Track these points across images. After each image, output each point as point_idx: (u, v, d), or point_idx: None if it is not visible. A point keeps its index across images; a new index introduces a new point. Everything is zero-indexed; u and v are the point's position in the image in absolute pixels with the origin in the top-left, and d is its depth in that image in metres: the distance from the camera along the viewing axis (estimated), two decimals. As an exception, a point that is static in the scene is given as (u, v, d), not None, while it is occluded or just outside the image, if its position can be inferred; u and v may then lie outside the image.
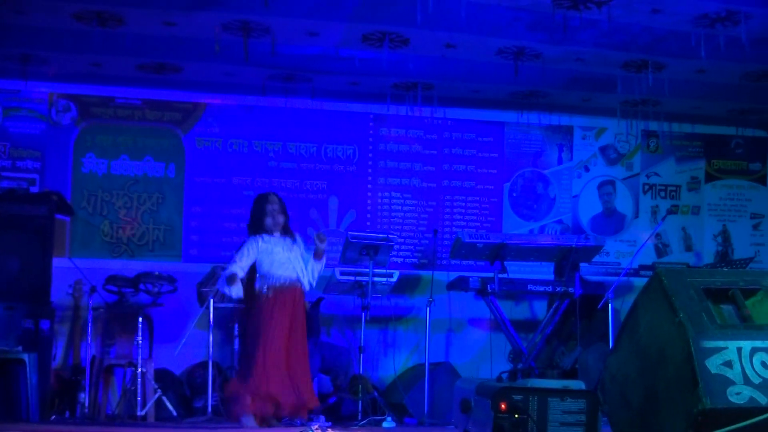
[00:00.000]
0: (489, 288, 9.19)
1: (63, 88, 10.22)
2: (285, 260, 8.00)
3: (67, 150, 10.22)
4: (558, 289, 9.40)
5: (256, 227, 8.09)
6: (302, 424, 8.01)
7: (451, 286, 9.61)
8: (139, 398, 8.75)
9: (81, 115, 10.29)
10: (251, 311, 8.06)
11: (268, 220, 8.06)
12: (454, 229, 10.75)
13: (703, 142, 11.67)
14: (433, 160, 11.05)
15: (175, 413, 8.93)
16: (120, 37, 8.60)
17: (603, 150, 11.44)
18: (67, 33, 8.62)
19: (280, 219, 8.11)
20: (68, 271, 9.34)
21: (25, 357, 8.29)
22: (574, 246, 9.40)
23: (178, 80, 10.07)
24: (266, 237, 8.04)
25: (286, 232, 8.14)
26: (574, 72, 9.70)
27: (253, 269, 8.04)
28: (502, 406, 4.22)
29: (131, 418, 8.78)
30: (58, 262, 9.19)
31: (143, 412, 8.74)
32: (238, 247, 8.25)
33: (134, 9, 8.12)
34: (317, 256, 8.15)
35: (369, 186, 10.86)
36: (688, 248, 11.50)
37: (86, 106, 10.32)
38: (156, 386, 8.91)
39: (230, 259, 8.18)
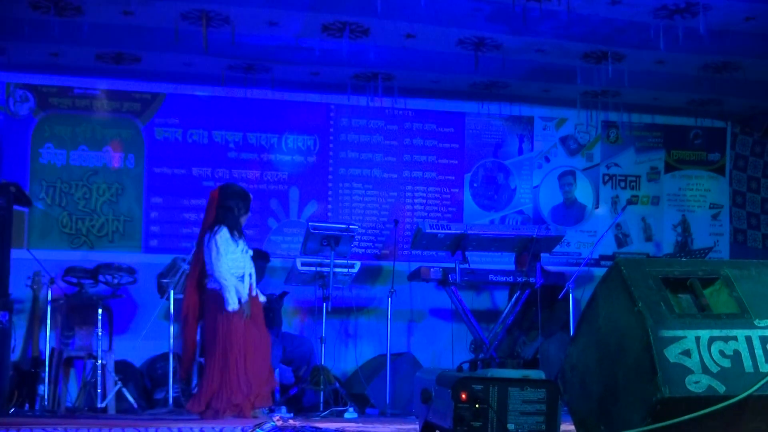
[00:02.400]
0: (450, 278, 9.20)
1: (20, 77, 10.13)
2: (244, 264, 7.89)
3: (25, 140, 10.14)
4: (519, 279, 9.43)
5: (233, 222, 7.79)
6: (263, 415, 8.00)
7: (413, 276, 9.62)
8: (99, 390, 8.70)
9: (39, 105, 10.21)
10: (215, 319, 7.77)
11: (243, 220, 7.89)
12: (415, 220, 10.77)
13: (663, 133, 11.74)
14: (393, 151, 11.05)
15: (135, 405, 8.89)
16: (78, 26, 8.54)
17: (563, 140, 11.48)
18: (24, 22, 8.54)
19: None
20: (26, 262, 9.26)
21: (-17, 349, 8.23)
22: (534, 236, 9.43)
23: (137, 70, 10.01)
24: (233, 236, 7.77)
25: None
26: (534, 63, 9.74)
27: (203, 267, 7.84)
28: (463, 395, 4.22)
29: (91, 410, 8.72)
30: (16, 254, 9.10)
31: (104, 404, 8.69)
32: (209, 248, 7.77)
33: (92, -2, 8.08)
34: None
35: (330, 176, 10.85)
36: (648, 238, 11.57)
37: (44, 96, 10.24)
38: (116, 378, 8.86)
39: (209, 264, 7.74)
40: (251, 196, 8.07)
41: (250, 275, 7.84)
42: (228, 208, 7.82)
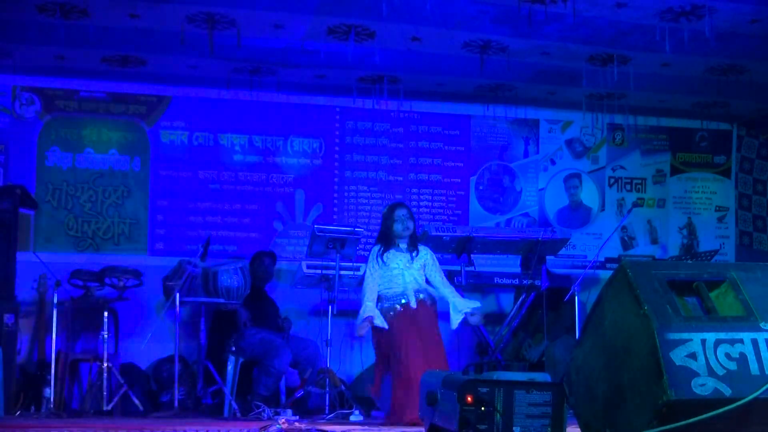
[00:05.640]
0: (456, 281, 9.19)
1: (26, 80, 10.14)
2: (398, 276, 7.96)
3: (31, 143, 10.16)
4: (524, 282, 9.42)
5: (385, 236, 8.02)
6: (269, 418, 8.01)
7: (418, 279, 9.60)
8: (105, 393, 8.70)
9: (45, 108, 10.22)
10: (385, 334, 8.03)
11: (398, 226, 7.97)
12: (420, 223, 10.75)
13: (668, 136, 11.73)
14: (399, 154, 11.05)
15: (141, 408, 8.89)
16: (84, 29, 8.54)
17: (569, 143, 11.48)
18: (30, 25, 8.56)
19: (410, 224, 8.01)
20: (33, 265, 9.26)
21: (-11, 352, 8.23)
22: (540, 239, 9.42)
23: (142, 73, 10.01)
24: (385, 253, 7.99)
25: (412, 245, 8.05)
26: (539, 65, 9.73)
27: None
28: (468, 398, 4.22)
29: (97, 413, 8.73)
30: (22, 256, 9.11)
31: (109, 407, 8.69)
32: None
33: (98, 1, 8.06)
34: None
35: (335, 179, 10.85)
36: (654, 241, 11.56)
37: (50, 99, 10.25)
38: (122, 381, 8.86)
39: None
40: (395, 204, 8.22)
41: (416, 290, 7.98)
42: (383, 226, 8.13)
